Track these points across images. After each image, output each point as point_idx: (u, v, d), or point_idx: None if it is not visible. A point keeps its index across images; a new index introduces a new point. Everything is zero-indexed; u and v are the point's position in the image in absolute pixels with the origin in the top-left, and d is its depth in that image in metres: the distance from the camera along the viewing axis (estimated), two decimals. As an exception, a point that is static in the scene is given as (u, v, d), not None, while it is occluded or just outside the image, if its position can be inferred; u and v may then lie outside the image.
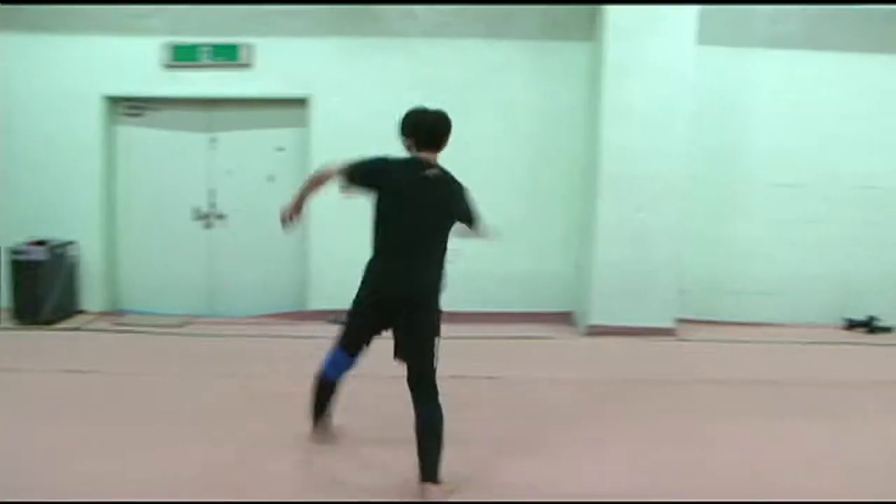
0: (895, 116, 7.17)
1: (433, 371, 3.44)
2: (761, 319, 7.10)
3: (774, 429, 4.50)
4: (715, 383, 5.41)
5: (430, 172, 3.45)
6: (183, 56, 6.82)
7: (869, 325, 7.07)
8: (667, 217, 6.56)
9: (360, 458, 3.88)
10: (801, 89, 7.08)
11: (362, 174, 3.49)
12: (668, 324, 6.65)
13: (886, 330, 7.04)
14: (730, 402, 4.98)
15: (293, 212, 3.69)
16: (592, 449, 4.11)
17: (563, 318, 7.05)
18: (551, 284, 7.10)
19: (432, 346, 3.43)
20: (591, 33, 6.78)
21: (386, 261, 3.49)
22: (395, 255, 3.45)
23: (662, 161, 6.49)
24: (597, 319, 6.63)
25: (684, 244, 6.70)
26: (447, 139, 3.49)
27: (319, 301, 6.96)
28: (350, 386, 3.89)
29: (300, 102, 6.93)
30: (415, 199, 3.41)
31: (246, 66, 6.82)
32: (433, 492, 3.38)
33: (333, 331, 3.81)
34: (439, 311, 3.51)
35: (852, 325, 7.12)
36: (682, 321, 6.77)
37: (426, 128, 3.47)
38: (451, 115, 3.52)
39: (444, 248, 3.50)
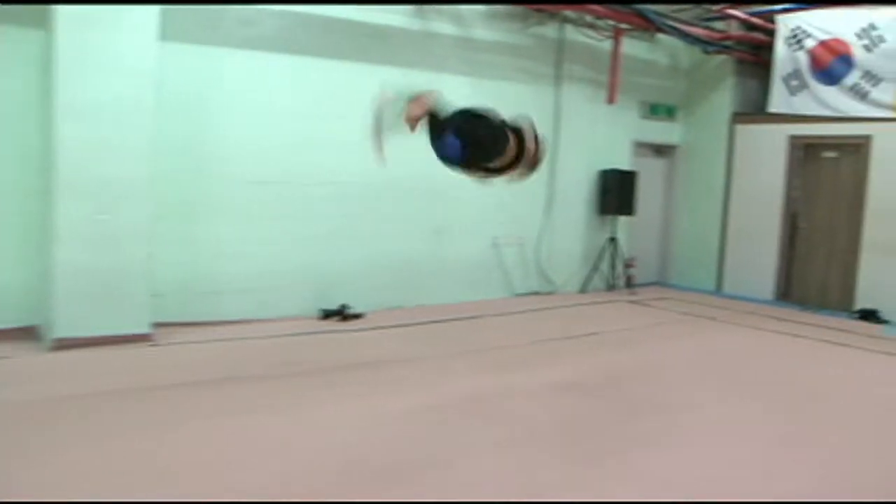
0: (359, 118, 7.83)
1: None
2: (239, 317, 7.23)
3: (247, 424, 4.68)
4: (189, 385, 5.39)
5: None
6: None
7: (342, 314, 7.69)
8: (133, 218, 6.31)
9: None
10: (274, 90, 7.43)
11: None
12: (143, 329, 6.42)
13: (358, 316, 7.74)
14: (203, 403, 5.02)
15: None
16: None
17: (27, 334, 6.31)
18: (8, 296, 6.31)
19: None
20: (42, 20, 6.20)
21: None
22: None
23: (126, 160, 6.24)
24: (64, 331, 6.10)
25: (154, 245, 6.50)
26: None
27: None
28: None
29: None
30: None
31: None
32: None
33: None
34: None
35: (327, 314, 7.67)
36: (158, 325, 6.59)
37: None
38: None
39: None
